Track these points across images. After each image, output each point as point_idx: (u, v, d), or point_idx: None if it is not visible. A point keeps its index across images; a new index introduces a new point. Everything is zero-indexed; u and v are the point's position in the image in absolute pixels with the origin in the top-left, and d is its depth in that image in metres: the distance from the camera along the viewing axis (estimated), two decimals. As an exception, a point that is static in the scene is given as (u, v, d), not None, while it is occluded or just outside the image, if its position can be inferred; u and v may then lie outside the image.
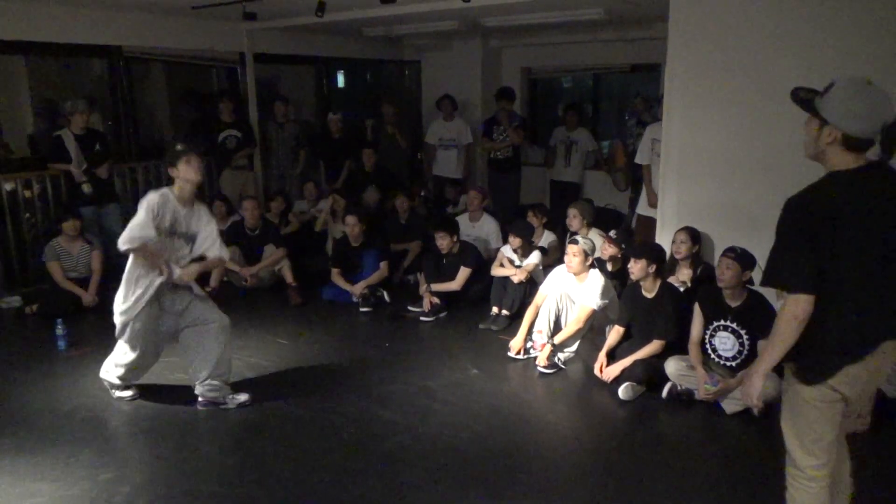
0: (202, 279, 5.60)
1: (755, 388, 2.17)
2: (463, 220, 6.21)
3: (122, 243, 3.38)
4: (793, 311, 2.00)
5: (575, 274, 4.39)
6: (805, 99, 2.07)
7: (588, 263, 4.39)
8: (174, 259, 3.56)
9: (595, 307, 4.32)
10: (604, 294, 4.35)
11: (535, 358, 4.34)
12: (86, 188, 5.80)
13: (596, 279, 4.37)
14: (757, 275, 4.23)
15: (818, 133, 2.03)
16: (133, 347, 3.67)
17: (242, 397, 3.79)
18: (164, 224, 3.46)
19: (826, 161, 2.07)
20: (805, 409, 2.13)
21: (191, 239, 3.63)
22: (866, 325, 2.03)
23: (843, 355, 2.04)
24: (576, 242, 4.40)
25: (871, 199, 2.01)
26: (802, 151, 4.43)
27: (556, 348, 4.31)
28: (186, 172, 3.51)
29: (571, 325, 4.33)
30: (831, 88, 2.00)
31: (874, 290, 2.03)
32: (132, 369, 3.77)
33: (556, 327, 4.41)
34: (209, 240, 3.67)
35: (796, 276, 1.99)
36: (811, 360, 2.08)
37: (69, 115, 5.76)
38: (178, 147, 3.55)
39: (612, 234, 5.09)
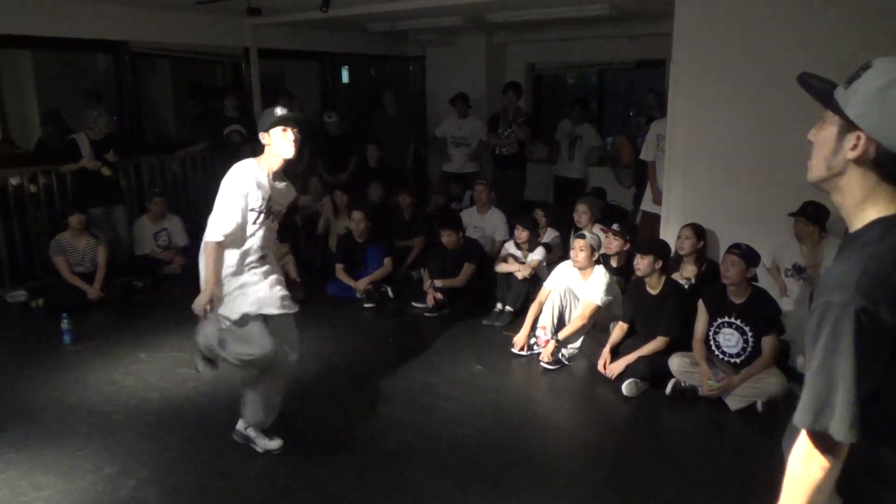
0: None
1: None
2: (472, 212, 6.22)
3: (209, 236, 2.86)
4: (821, 463, 1.25)
5: (581, 269, 4.39)
6: (819, 87, 1.31)
7: (594, 259, 4.39)
8: (271, 245, 3.11)
9: (599, 303, 4.32)
10: (608, 290, 4.34)
11: (539, 354, 4.34)
12: (105, 171, 5.73)
13: (600, 275, 4.37)
14: (762, 271, 4.24)
15: (838, 142, 1.26)
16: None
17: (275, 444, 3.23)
18: (256, 204, 2.92)
19: (844, 191, 1.29)
20: None
21: (279, 217, 3.12)
22: None
23: None
24: (583, 237, 4.39)
25: None
26: (808, 146, 4.39)
27: (560, 344, 4.31)
28: (281, 144, 2.91)
29: (575, 321, 4.33)
30: (863, 74, 1.23)
31: None
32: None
33: (560, 323, 4.40)
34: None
35: (852, 415, 1.19)
36: None
37: (94, 120, 5.75)
38: (278, 111, 2.90)
39: (615, 227, 5.06)
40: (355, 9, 6.17)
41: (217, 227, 2.86)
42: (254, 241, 3.00)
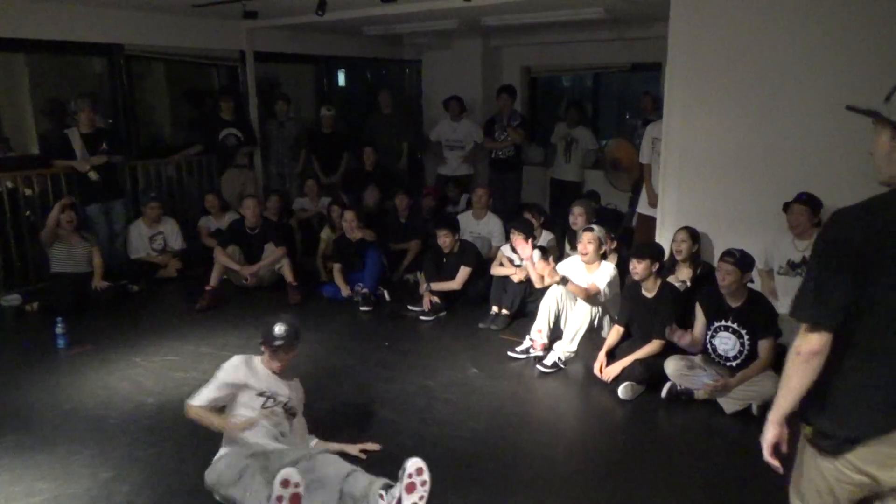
0: (202, 278, 5.65)
1: (766, 438, 1.83)
2: (468, 217, 6.20)
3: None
4: (797, 346, 1.68)
5: (588, 263, 4.40)
6: (868, 109, 1.67)
7: (601, 252, 4.41)
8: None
9: (603, 287, 4.32)
10: (612, 284, 4.35)
11: (535, 357, 4.34)
12: (92, 175, 5.78)
13: (607, 268, 4.38)
14: (756, 275, 4.24)
15: (891, 146, 1.63)
16: None
17: None
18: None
19: None
20: (819, 483, 1.75)
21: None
22: None
23: (867, 425, 1.64)
24: (591, 230, 4.42)
25: None
26: (802, 150, 4.41)
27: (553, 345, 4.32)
28: (270, 363, 3.02)
29: (577, 292, 4.30)
30: None
31: None
32: None
33: (556, 327, 4.41)
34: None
35: (814, 307, 1.65)
36: (826, 423, 1.71)
37: (74, 114, 5.78)
38: (275, 331, 2.94)
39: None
40: (351, 12, 6.17)
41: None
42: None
